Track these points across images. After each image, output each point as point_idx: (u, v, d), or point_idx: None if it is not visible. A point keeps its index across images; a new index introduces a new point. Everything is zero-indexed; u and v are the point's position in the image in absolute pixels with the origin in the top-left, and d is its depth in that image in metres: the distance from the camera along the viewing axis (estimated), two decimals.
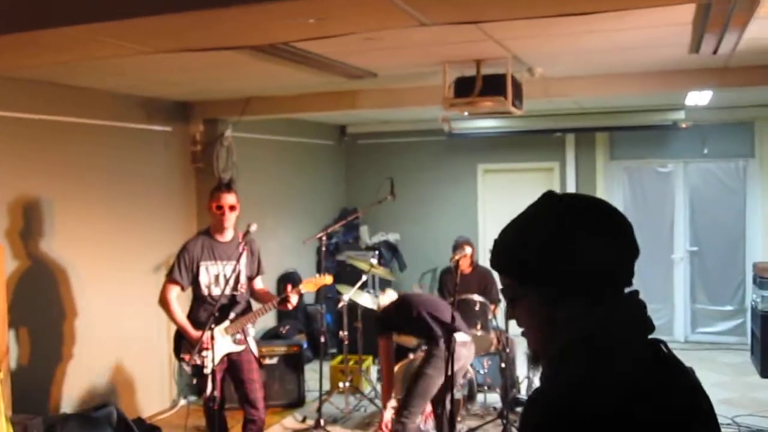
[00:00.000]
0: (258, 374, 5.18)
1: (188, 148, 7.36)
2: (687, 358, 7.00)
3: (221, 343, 4.94)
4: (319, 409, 6.45)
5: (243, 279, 5.12)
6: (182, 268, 4.99)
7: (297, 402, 7.04)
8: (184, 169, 7.30)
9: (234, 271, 4.94)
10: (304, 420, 6.60)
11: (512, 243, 1.51)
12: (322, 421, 6.35)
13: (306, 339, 8.23)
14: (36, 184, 5.60)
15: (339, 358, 7.51)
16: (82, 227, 5.93)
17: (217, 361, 4.85)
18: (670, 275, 9.49)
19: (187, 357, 4.84)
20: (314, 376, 7.14)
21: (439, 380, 4.94)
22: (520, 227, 1.52)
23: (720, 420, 5.34)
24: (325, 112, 7.60)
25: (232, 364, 5.06)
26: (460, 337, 5.16)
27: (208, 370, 4.73)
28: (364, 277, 6.83)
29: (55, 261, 5.71)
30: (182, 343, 4.99)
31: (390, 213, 9.84)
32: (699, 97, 7.36)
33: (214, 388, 4.73)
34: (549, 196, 1.53)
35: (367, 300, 6.81)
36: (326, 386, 6.87)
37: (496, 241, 1.54)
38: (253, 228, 4.93)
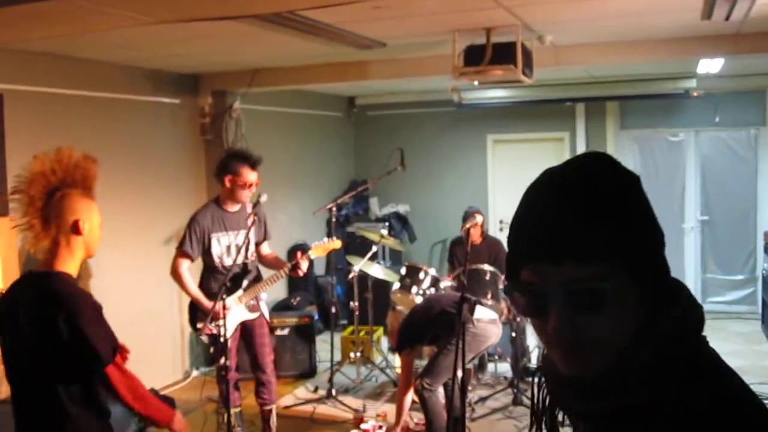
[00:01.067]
0: (269, 339, 5.28)
1: (197, 121, 7.35)
2: None
3: (236, 311, 5.00)
4: (330, 380, 6.49)
5: (252, 248, 5.16)
6: (193, 240, 5.00)
7: (308, 372, 7.09)
8: (193, 141, 7.30)
9: (245, 240, 4.96)
10: (315, 390, 6.65)
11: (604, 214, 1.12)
12: (333, 391, 6.39)
13: (317, 310, 8.26)
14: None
15: (350, 328, 7.55)
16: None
17: (231, 330, 4.92)
18: (680, 245, 9.46)
19: (202, 326, 4.86)
20: (325, 347, 7.18)
21: (467, 354, 4.88)
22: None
23: None
24: (334, 83, 7.56)
25: (244, 329, 5.14)
26: (487, 314, 5.18)
27: (223, 339, 4.77)
28: (374, 248, 6.84)
29: None
30: (197, 314, 5.02)
31: (400, 184, 9.83)
32: (710, 65, 7.29)
33: (227, 358, 4.76)
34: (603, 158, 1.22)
35: (377, 271, 6.84)
36: (337, 357, 6.91)
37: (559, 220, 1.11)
38: (264, 198, 4.94)
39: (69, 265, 2.76)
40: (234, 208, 5.11)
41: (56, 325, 2.60)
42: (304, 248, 5.26)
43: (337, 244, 5.39)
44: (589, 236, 1.10)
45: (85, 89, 5.95)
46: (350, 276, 6.76)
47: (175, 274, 5.02)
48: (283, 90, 8.25)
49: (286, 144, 8.88)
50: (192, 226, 5.03)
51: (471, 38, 5.13)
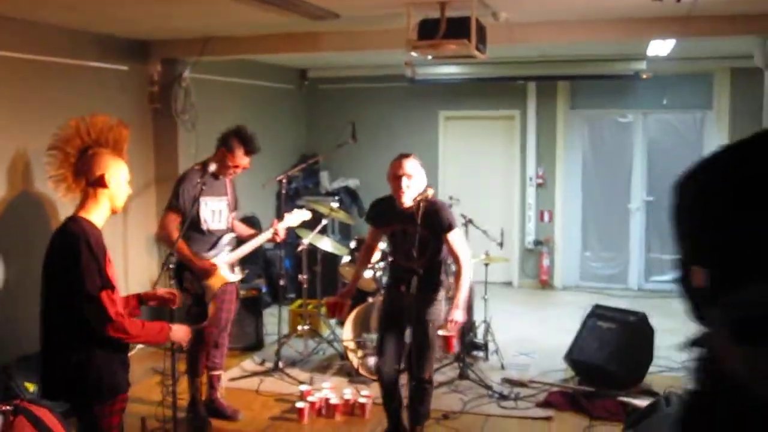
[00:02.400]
0: (236, 304, 5.45)
1: (145, 89, 7.21)
2: (641, 305, 7.14)
3: (222, 273, 5.16)
4: (277, 352, 6.47)
5: (230, 214, 5.32)
6: (186, 199, 4.99)
7: (255, 345, 7.05)
8: (141, 109, 7.15)
9: (228, 205, 5.23)
10: (262, 363, 6.62)
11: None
12: (280, 364, 6.37)
13: (265, 283, 8.21)
14: None
15: (298, 302, 7.52)
16: (32, 167, 5.79)
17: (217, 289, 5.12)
18: (626, 224, 9.63)
19: (190, 286, 5.01)
20: (273, 320, 7.16)
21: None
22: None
23: (670, 365, 5.48)
24: (287, 53, 7.48)
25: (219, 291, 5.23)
26: None
27: (208, 298, 5.05)
28: (324, 222, 6.81)
29: (5, 200, 5.59)
30: (184, 275, 5.03)
31: (350, 159, 9.80)
32: (660, 47, 7.38)
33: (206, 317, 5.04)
34: None
35: (327, 244, 6.82)
36: (285, 330, 6.89)
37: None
38: (212, 168, 4.96)
39: (92, 213, 3.19)
40: (219, 175, 5.17)
41: (63, 255, 3.09)
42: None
43: (307, 215, 5.64)
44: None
45: (27, 52, 5.77)
46: (299, 249, 6.73)
47: (166, 234, 5.00)
48: (235, 60, 8.13)
49: (235, 115, 8.72)
50: (183, 185, 5.06)
51: (425, 12, 5.10)
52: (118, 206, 3.28)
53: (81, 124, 3.21)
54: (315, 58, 9.15)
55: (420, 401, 4.60)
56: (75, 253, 3.05)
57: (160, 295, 3.60)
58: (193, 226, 5.03)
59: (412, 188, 4.44)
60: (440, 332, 4.34)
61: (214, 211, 5.16)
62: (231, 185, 5.31)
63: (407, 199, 4.42)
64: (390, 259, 4.21)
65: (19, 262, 5.61)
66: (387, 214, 4.60)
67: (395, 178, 4.46)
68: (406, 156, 4.57)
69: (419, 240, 4.27)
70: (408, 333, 4.60)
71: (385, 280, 6.45)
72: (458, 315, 4.38)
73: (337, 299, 4.87)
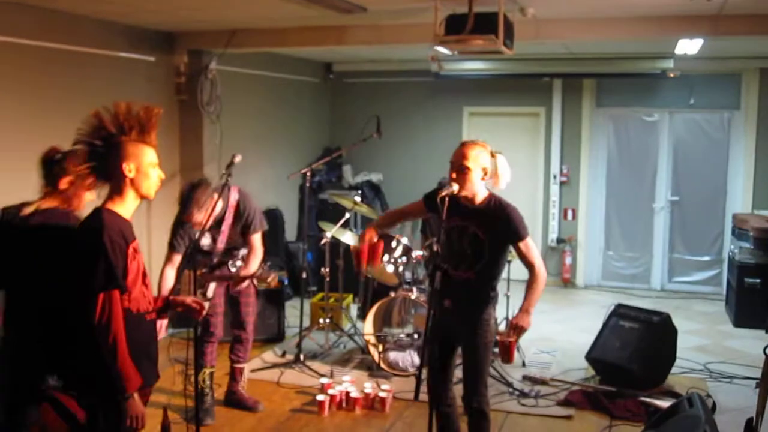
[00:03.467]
0: (254, 300, 5.42)
1: (172, 80, 7.25)
2: (663, 306, 7.09)
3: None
4: (298, 345, 6.49)
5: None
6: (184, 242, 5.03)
7: (277, 337, 7.08)
8: (167, 100, 7.19)
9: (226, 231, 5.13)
10: (283, 354, 6.64)
11: None
12: (301, 356, 6.39)
13: (287, 276, 8.24)
14: (14, 108, 5.49)
15: (319, 295, 7.54)
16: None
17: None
18: (650, 224, 9.56)
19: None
20: (294, 312, 7.19)
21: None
22: None
23: (692, 366, 5.44)
24: (313, 47, 7.49)
25: (233, 294, 5.26)
26: None
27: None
28: (347, 215, 6.82)
29: (33, 188, 5.63)
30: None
31: (373, 153, 9.81)
32: (689, 46, 7.31)
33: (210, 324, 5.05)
34: None
35: (349, 238, 6.83)
36: (306, 323, 6.91)
37: None
38: (238, 159, 4.84)
39: (117, 204, 3.13)
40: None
41: (75, 249, 3.07)
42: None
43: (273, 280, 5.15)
44: None
45: (58, 42, 5.82)
46: (322, 242, 6.74)
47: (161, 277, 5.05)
48: (260, 53, 8.17)
49: (261, 107, 8.80)
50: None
51: (453, 7, 5.09)
52: (146, 193, 3.19)
53: (104, 114, 3.14)
54: (340, 52, 9.15)
55: None
56: (88, 246, 3.00)
57: (187, 303, 3.51)
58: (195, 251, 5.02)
59: (470, 182, 3.90)
60: (499, 338, 3.91)
61: (214, 238, 5.12)
62: (233, 212, 5.09)
63: (463, 193, 3.90)
64: (436, 263, 3.60)
65: None
66: (450, 204, 3.85)
67: (450, 164, 3.96)
68: (469, 143, 4.00)
69: (477, 242, 3.92)
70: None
71: (408, 276, 6.45)
72: (525, 320, 3.91)
73: (370, 242, 4.28)
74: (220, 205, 4.87)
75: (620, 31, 6.13)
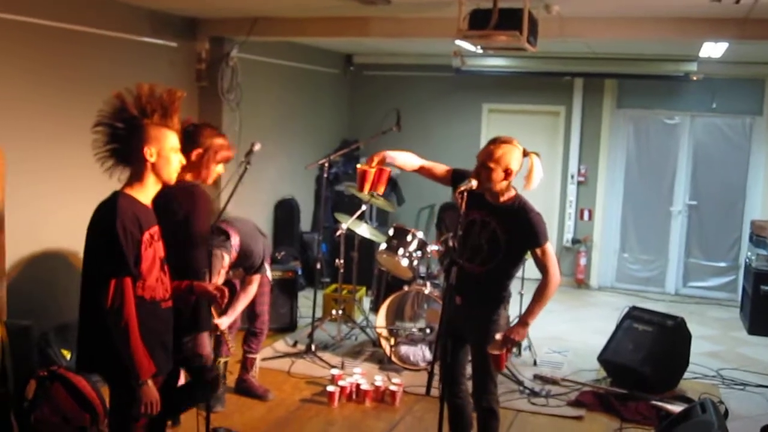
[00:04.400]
0: (268, 292, 5.48)
1: (193, 66, 7.25)
2: (677, 310, 7.04)
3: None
4: (310, 335, 6.49)
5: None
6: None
7: (289, 327, 7.09)
8: (187, 87, 7.17)
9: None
10: (295, 344, 6.65)
11: None
12: (313, 347, 6.40)
13: (301, 266, 8.24)
14: (36, 91, 5.51)
15: (333, 286, 7.54)
16: (81, 137, 5.85)
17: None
18: (666, 227, 9.50)
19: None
20: (307, 303, 7.19)
21: None
22: None
23: (705, 372, 5.39)
24: (334, 37, 7.48)
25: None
26: None
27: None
28: (363, 207, 6.81)
29: (55, 170, 5.66)
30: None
31: (391, 147, 9.48)
32: (713, 49, 7.24)
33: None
34: None
35: (365, 230, 6.82)
36: (318, 314, 6.91)
37: None
38: (257, 147, 4.82)
39: (136, 189, 3.12)
40: None
41: (95, 232, 3.07)
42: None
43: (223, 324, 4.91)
44: None
45: (82, 24, 5.82)
46: (337, 234, 6.74)
47: None
48: (281, 42, 8.17)
49: (280, 97, 8.79)
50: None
51: (477, 1, 5.05)
52: (166, 178, 3.16)
53: (126, 96, 3.11)
54: (362, 44, 9.13)
55: None
56: (102, 231, 3.00)
57: (209, 290, 3.48)
58: None
59: (490, 181, 3.83)
60: (489, 350, 3.75)
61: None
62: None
63: (482, 189, 3.86)
64: (452, 258, 3.49)
65: (62, 233, 5.68)
66: (476, 195, 3.87)
67: (476, 159, 3.91)
68: (498, 142, 3.92)
69: (495, 239, 3.86)
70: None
71: (422, 270, 6.45)
72: (520, 333, 3.82)
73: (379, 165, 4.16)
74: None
75: (645, 31, 6.08)
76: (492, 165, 3.81)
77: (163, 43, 6.80)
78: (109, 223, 2.97)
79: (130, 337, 2.96)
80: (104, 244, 2.97)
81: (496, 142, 3.91)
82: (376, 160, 4.19)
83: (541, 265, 3.88)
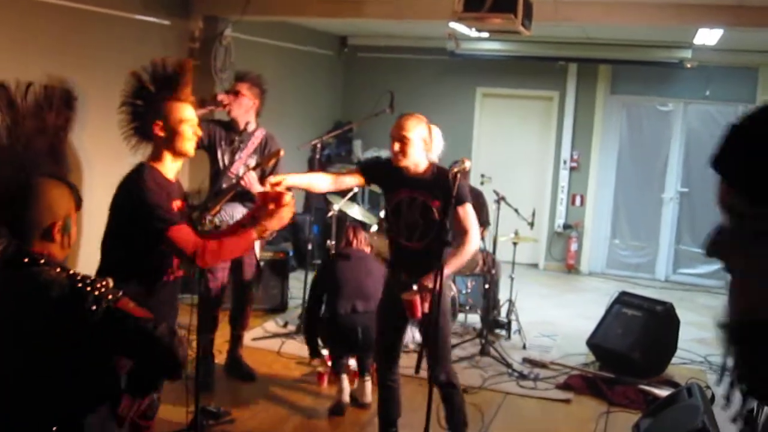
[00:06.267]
0: (254, 267, 5.46)
1: (186, 45, 7.21)
2: (666, 296, 7.03)
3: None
4: (301, 316, 6.49)
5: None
6: None
7: (279, 307, 7.10)
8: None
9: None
10: (285, 325, 6.66)
11: None
12: (303, 328, 6.39)
13: (292, 247, 8.24)
14: (22, 64, 5.47)
15: None
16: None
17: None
18: (657, 214, 9.53)
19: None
20: (297, 284, 7.19)
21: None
22: None
23: (693, 357, 5.41)
24: (329, 18, 7.44)
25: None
26: None
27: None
28: (354, 189, 6.79)
29: None
30: None
31: (384, 129, 9.58)
32: (708, 36, 7.24)
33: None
34: None
35: (356, 212, 6.82)
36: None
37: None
38: (251, 127, 4.87)
39: (158, 161, 3.20)
40: None
41: (124, 202, 3.14)
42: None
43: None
44: None
45: (75, 1, 5.78)
46: (328, 215, 6.72)
47: None
48: (276, 22, 8.13)
49: (273, 77, 8.68)
50: None
51: None
52: (182, 150, 3.20)
53: (142, 74, 3.18)
54: (356, 25, 9.10)
55: (450, 410, 4.11)
56: (135, 200, 3.06)
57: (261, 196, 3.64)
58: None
59: (412, 152, 3.94)
60: (404, 296, 3.77)
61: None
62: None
63: (405, 163, 3.96)
64: (389, 237, 3.61)
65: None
66: (394, 177, 4.03)
67: (391, 137, 4.05)
68: (406, 115, 4.12)
69: (427, 211, 3.92)
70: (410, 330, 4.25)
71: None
72: (432, 280, 3.67)
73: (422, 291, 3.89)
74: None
75: (640, 17, 6.08)
76: (410, 135, 3.94)
77: (156, 20, 6.75)
78: (139, 190, 3.06)
79: (235, 248, 3.23)
80: (139, 207, 3.03)
81: (404, 115, 4.11)
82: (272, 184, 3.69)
83: (462, 225, 3.94)
